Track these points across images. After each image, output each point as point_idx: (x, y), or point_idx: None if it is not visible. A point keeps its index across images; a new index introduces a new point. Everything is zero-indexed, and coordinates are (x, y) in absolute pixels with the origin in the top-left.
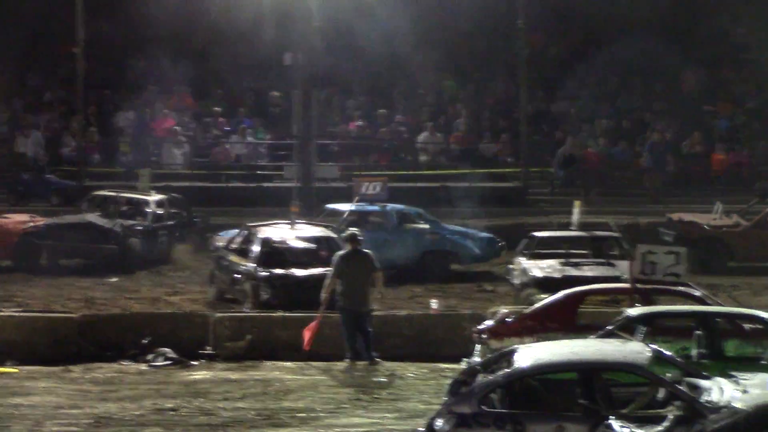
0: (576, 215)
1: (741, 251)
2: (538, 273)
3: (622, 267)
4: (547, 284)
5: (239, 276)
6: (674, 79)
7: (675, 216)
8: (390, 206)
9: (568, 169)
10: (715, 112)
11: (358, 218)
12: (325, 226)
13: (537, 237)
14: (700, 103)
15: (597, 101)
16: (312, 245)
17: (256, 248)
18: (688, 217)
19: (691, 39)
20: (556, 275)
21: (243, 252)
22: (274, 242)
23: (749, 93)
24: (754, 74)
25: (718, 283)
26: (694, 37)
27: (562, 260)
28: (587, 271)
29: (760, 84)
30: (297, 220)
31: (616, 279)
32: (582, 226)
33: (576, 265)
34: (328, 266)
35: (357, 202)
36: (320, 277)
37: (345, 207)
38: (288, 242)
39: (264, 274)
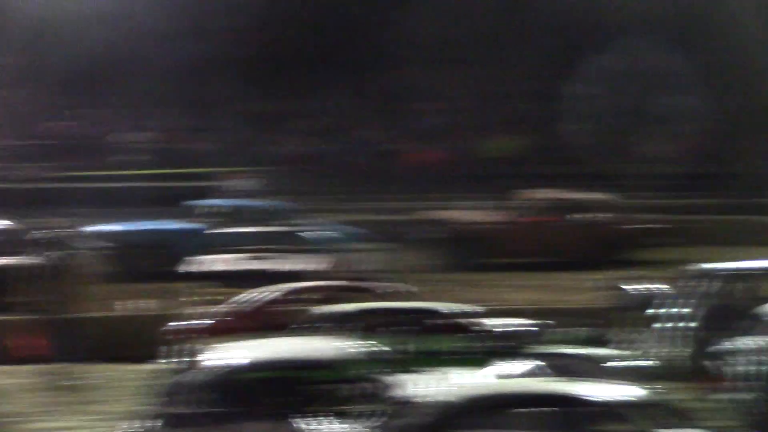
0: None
1: (508, 247)
2: (217, 267)
3: (306, 260)
4: (225, 278)
5: None
6: (381, 77)
7: (441, 214)
8: (256, 201)
9: (283, 168)
10: (420, 109)
11: (228, 213)
12: None
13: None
14: (406, 100)
15: (306, 98)
16: None
17: None
18: (455, 214)
19: (398, 37)
20: (231, 268)
21: None
22: None
23: (453, 91)
24: (458, 72)
25: (426, 280)
26: (401, 35)
27: (245, 255)
28: (267, 265)
29: (465, 82)
30: None
31: (295, 273)
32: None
33: (259, 258)
34: None
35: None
36: None
37: (209, 203)
38: None
39: None
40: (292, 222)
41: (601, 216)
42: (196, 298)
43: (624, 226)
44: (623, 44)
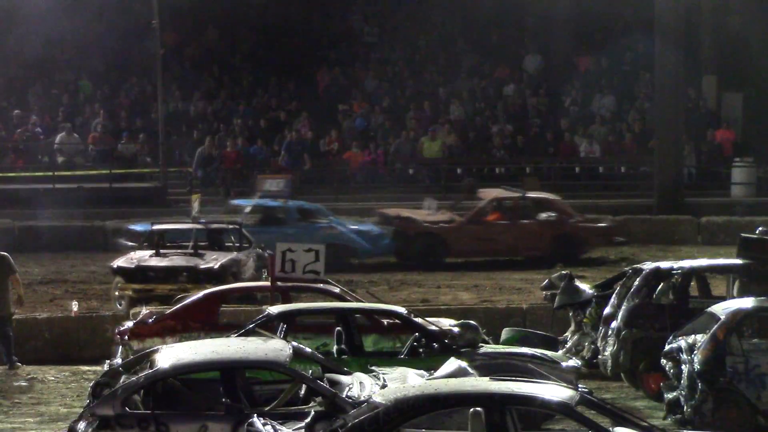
0: (195, 208)
1: (456, 246)
2: (116, 263)
3: (212, 256)
4: (123, 274)
5: None
6: (309, 78)
7: (392, 211)
8: (291, 202)
9: (207, 169)
10: (349, 110)
11: (261, 213)
12: None
13: (156, 230)
14: (334, 101)
15: (233, 100)
16: None
17: None
18: (405, 212)
19: (325, 38)
20: (128, 265)
21: None
22: None
23: (382, 92)
24: (386, 73)
25: (357, 280)
26: (328, 36)
27: (155, 251)
28: (170, 262)
29: (393, 83)
30: None
31: (198, 269)
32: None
33: (165, 255)
34: None
35: (259, 198)
36: None
37: (247, 202)
38: None
39: None
40: (319, 220)
41: (550, 216)
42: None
43: (578, 225)
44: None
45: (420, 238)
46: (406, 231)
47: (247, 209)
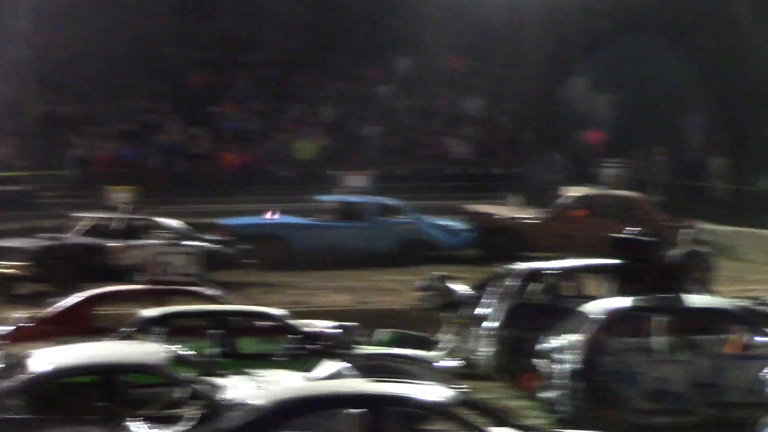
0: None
1: (537, 241)
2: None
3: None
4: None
5: None
6: (181, 80)
7: (471, 207)
8: (371, 198)
9: (80, 171)
10: (221, 112)
11: (342, 209)
12: None
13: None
14: (206, 103)
15: (104, 102)
16: None
17: None
18: (487, 208)
19: (196, 40)
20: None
21: None
22: None
23: (253, 94)
24: (257, 75)
25: (233, 281)
26: (200, 37)
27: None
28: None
29: (265, 84)
30: None
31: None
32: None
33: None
34: None
35: (340, 193)
36: None
37: (328, 198)
38: None
39: None
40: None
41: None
42: None
43: (662, 224)
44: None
45: (501, 233)
46: (487, 226)
47: (329, 204)
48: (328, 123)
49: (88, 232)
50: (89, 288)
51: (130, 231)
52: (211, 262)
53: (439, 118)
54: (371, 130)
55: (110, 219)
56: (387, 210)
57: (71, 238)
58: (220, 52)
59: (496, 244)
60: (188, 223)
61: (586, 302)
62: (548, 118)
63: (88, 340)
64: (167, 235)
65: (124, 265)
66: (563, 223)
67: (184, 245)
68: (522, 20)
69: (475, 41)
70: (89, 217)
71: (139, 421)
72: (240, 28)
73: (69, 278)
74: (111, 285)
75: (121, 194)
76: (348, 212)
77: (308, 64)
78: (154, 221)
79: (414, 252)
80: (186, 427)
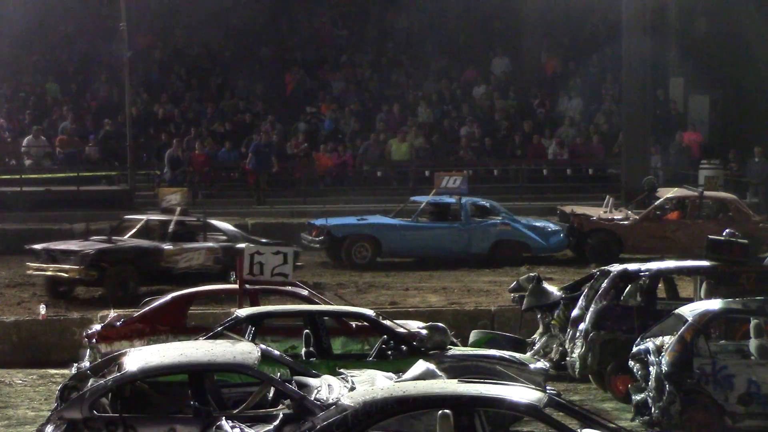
0: (173, 200)
1: (631, 243)
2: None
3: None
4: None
5: None
6: (276, 81)
7: (567, 208)
8: (465, 199)
9: (175, 171)
10: (317, 113)
11: (436, 210)
12: None
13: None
14: (302, 103)
15: (201, 103)
16: None
17: None
18: (580, 209)
19: (291, 41)
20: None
21: None
22: None
23: (350, 94)
24: (354, 75)
25: (325, 282)
26: (295, 38)
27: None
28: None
29: (359, 84)
30: None
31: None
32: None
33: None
34: None
35: (435, 194)
36: None
37: (423, 198)
38: None
39: None
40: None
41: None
42: None
43: (758, 226)
44: (515, 47)
45: (595, 235)
46: (581, 227)
47: (423, 205)
48: (423, 123)
49: (142, 234)
50: (145, 291)
51: (185, 233)
52: None
53: (536, 119)
54: (467, 130)
55: (164, 221)
56: (481, 211)
57: (126, 241)
58: (316, 53)
59: (591, 245)
60: (282, 224)
61: (680, 304)
62: (646, 118)
63: (181, 339)
64: (220, 237)
65: (180, 268)
66: (658, 224)
67: (274, 245)
68: (619, 20)
69: (573, 41)
70: (143, 219)
71: (230, 420)
72: (336, 28)
73: (123, 281)
74: (198, 286)
75: (173, 196)
76: (442, 213)
77: (404, 64)
78: (209, 223)
79: (508, 253)
80: (276, 427)
